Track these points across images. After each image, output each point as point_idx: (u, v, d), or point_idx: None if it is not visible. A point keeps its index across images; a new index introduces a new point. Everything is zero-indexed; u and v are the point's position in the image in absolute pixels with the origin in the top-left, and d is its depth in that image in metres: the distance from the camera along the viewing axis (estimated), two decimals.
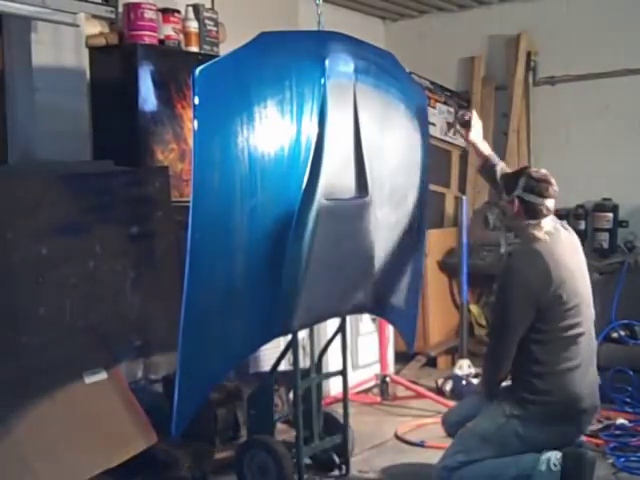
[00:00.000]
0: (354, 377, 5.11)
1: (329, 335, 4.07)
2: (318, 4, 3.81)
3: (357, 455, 4.16)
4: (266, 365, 4.54)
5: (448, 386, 5.35)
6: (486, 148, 3.95)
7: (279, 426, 3.98)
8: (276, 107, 3.18)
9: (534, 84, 6.73)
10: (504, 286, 3.54)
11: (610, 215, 6.25)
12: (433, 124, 6.48)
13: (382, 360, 5.48)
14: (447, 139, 6.95)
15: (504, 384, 3.59)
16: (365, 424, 4.69)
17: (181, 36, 4.84)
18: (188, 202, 2.95)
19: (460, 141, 7.02)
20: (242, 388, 4.22)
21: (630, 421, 4.51)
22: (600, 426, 4.35)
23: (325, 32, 3.74)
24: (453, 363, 5.84)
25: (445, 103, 6.93)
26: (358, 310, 4.19)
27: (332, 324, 4.04)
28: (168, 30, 4.76)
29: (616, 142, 6.35)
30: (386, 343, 5.52)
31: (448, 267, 6.32)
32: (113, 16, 4.56)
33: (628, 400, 4.81)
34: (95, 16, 4.54)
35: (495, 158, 3.91)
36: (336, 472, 3.99)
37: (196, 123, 2.92)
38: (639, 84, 6.28)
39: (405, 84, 3.98)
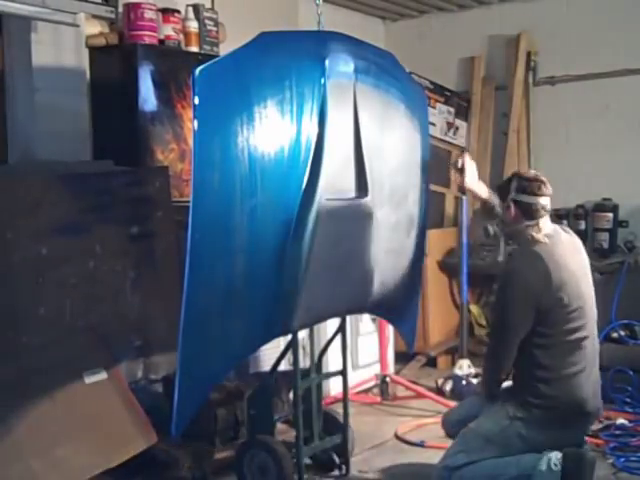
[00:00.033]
0: (354, 377, 5.11)
1: (329, 335, 4.07)
2: (318, 4, 3.81)
3: (357, 455, 4.16)
4: (266, 365, 4.54)
5: (448, 386, 5.35)
6: (483, 191, 3.83)
7: (279, 426, 3.98)
8: (276, 107, 3.18)
9: (534, 84, 6.72)
10: (504, 287, 3.54)
11: (610, 215, 6.26)
12: (433, 124, 6.49)
13: (382, 360, 5.48)
14: (447, 139, 6.95)
15: (505, 385, 3.60)
16: (365, 424, 4.69)
17: (181, 36, 4.84)
18: (188, 202, 2.95)
19: (460, 141, 7.04)
20: (242, 388, 4.22)
21: (630, 421, 4.51)
22: (600, 426, 4.35)
23: (325, 32, 3.74)
24: (453, 363, 5.84)
25: (445, 103, 6.93)
26: (358, 310, 4.19)
27: (332, 324, 4.04)
28: (168, 30, 4.76)
29: (616, 142, 6.35)
30: (386, 343, 5.52)
31: (448, 267, 6.32)
32: (113, 16, 4.56)
33: (628, 400, 4.81)
34: (95, 16, 4.54)
35: (494, 199, 3.75)
36: (336, 472, 3.99)
37: (196, 123, 2.92)
38: (639, 84, 6.28)
39: (405, 84, 3.98)
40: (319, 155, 3.33)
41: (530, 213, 3.50)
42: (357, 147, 3.55)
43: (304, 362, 4.09)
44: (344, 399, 3.99)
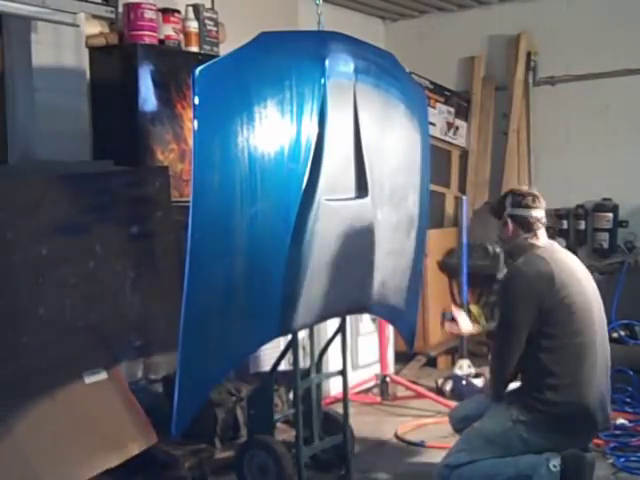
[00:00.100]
0: (354, 377, 5.12)
1: (329, 335, 4.07)
2: (318, 4, 3.81)
3: (357, 455, 4.16)
4: (266, 365, 4.54)
5: (448, 386, 5.35)
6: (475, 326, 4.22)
7: (279, 426, 3.98)
8: (276, 107, 3.17)
9: (534, 84, 6.73)
10: (507, 288, 3.61)
11: (610, 215, 6.26)
12: (433, 124, 6.49)
13: (382, 360, 5.48)
14: (447, 139, 6.96)
15: (512, 387, 3.60)
16: (365, 424, 4.69)
17: (181, 36, 4.84)
18: (188, 202, 2.95)
19: (460, 141, 7.04)
20: (242, 388, 4.22)
21: (630, 421, 4.52)
22: None
23: (325, 32, 3.74)
24: (453, 363, 5.85)
25: (445, 103, 6.94)
26: (358, 310, 4.19)
27: (332, 324, 4.04)
28: (168, 30, 4.76)
29: (616, 142, 6.36)
30: (386, 343, 5.52)
31: (448, 267, 6.32)
32: (113, 16, 4.55)
33: (628, 400, 4.82)
34: (95, 16, 4.53)
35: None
36: (336, 472, 3.99)
37: (196, 123, 2.91)
38: (639, 84, 6.28)
39: (405, 84, 3.98)
40: (319, 155, 3.33)
41: (527, 225, 3.59)
42: (357, 147, 3.55)
43: (304, 362, 4.09)
44: (344, 399, 3.98)
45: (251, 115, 3.08)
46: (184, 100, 4.66)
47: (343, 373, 3.99)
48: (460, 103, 7.03)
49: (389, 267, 3.87)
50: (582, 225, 6.43)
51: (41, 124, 4.42)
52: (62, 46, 4.53)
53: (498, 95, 6.95)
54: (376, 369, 5.47)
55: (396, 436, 4.59)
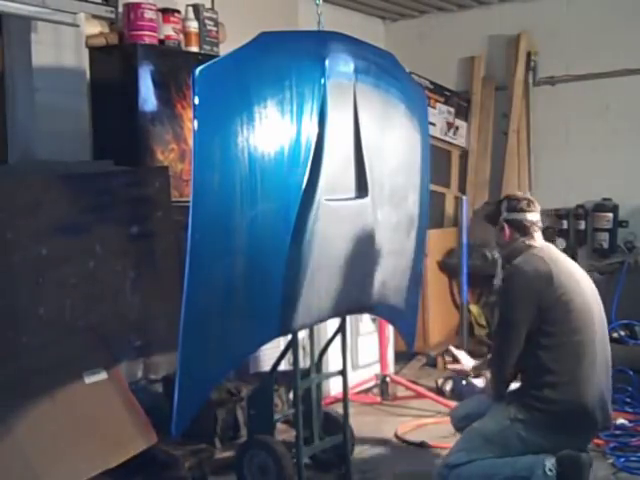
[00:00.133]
0: (354, 377, 5.11)
1: (329, 335, 4.07)
2: (318, 4, 3.81)
3: (357, 455, 4.16)
4: (266, 365, 4.54)
5: (448, 386, 5.35)
6: (477, 362, 4.14)
7: (279, 426, 3.98)
8: (276, 107, 3.17)
9: (534, 84, 6.73)
10: (506, 286, 3.66)
11: (610, 215, 6.26)
12: (433, 124, 6.49)
13: (382, 360, 5.48)
14: (447, 139, 6.96)
15: (513, 386, 3.60)
16: (365, 424, 4.68)
17: (181, 36, 4.85)
18: (188, 202, 2.95)
19: (460, 141, 7.05)
20: (242, 388, 4.22)
21: (630, 421, 4.52)
22: None
23: (325, 32, 3.74)
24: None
25: (445, 103, 6.94)
26: (358, 310, 4.19)
27: (332, 324, 4.04)
28: (168, 30, 4.76)
29: (616, 142, 6.36)
30: (386, 343, 5.52)
31: (448, 267, 6.32)
32: (113, 16, 4.56)
33: (628, 400, 4.82)
34: (95, 16, 4.54)
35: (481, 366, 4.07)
36: (336, 472, 3.99)
37: (196, 123, 2.91)
38: (639, 84, 6.28)
39: (405, 84, 3.98)
40: (319, 155, 3.33)
41: (523, 229, 3.63)
42: (357, 147, 3.55)
43: (304, 362, 4.09)
44: (344, 399, 3.98)
45: (251, 115, 3.08)
46: (184, 100, 4.66)
47: (343, 373, 3.99)
48: (460, 103, 7.03)
49: (389, 267, 3.87)
50: (582, 225, 6.43)
51: (41, 124, 4.43)
52: (62, 46, 4.53)
53: (498, 95, 6.95)
54: (376, 369, 5.47)
55: (396, 436, 4.59)
